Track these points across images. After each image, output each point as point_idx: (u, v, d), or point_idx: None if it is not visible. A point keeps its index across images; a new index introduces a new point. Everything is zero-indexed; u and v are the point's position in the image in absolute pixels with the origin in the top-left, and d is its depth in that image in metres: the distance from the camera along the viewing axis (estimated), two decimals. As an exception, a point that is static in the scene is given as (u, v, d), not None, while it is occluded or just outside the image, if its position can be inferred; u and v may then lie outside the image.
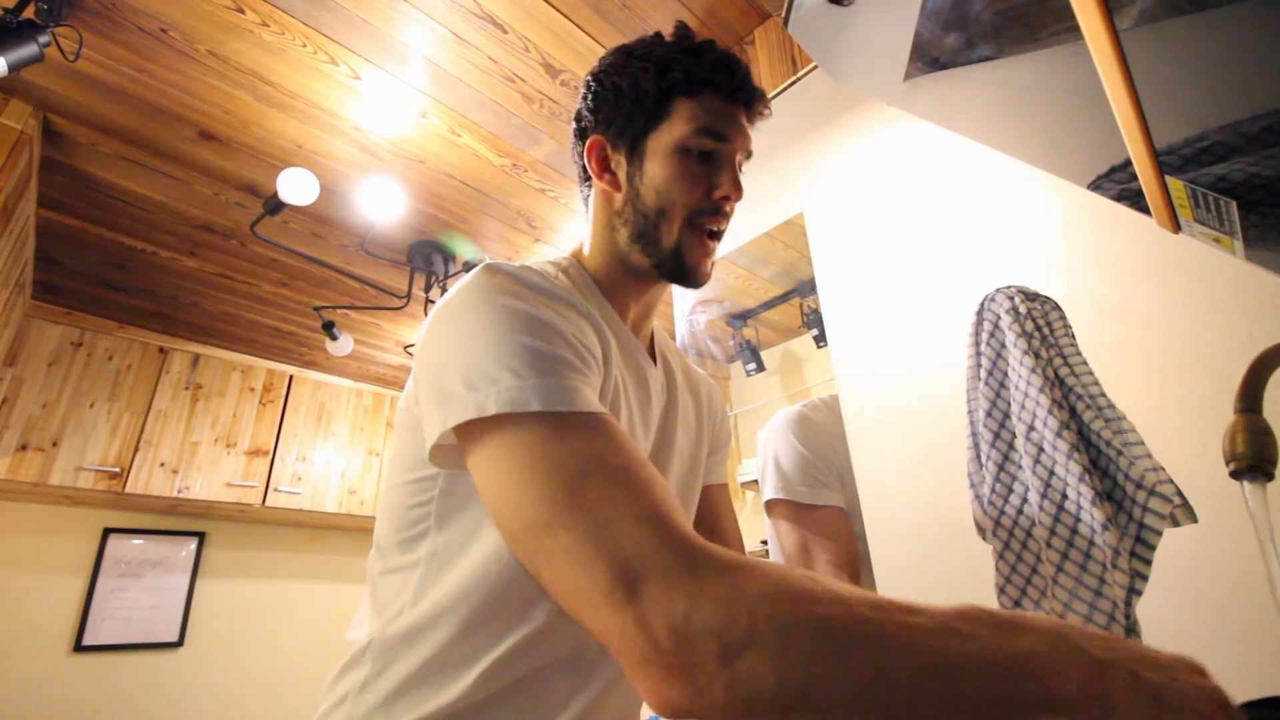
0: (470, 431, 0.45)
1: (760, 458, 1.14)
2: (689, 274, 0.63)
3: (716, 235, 0.65)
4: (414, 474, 0.57)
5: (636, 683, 0.36)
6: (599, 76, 0.66)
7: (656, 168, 0.62)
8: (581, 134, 0.68)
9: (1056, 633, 0.34)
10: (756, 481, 1.52)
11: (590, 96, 0.67)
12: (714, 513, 0.77)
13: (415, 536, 0.57)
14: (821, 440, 1.13)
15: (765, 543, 1.45)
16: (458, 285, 0.54)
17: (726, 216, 0.65)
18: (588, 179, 0.69)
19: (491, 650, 0.53)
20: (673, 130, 0.62)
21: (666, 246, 0.63)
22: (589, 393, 0.47)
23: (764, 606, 0.33)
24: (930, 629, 0.33)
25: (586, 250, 0.69)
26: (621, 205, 0.64)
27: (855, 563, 1.03)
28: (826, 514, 1.06)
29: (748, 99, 0.64)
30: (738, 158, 0.64)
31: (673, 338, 1.69)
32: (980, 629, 0.33)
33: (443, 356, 0.49)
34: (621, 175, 0.64)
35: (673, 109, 0.62)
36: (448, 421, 0.46)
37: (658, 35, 0.66)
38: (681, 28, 0.66)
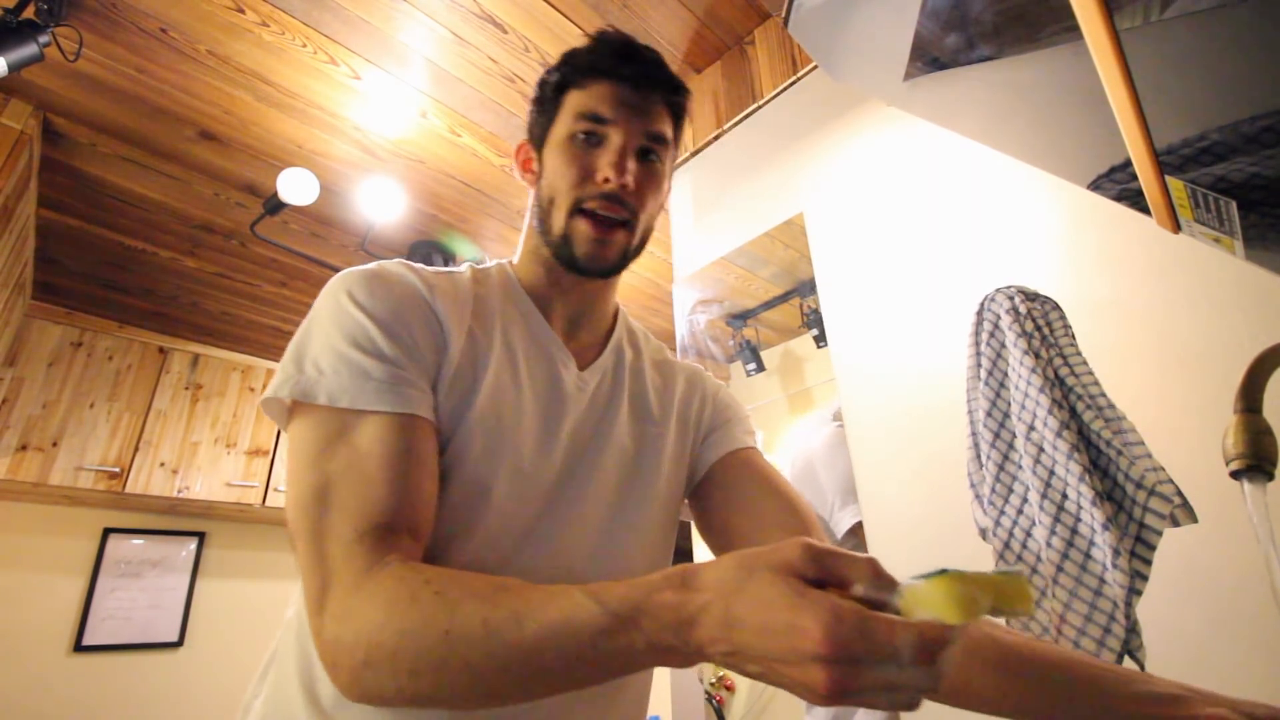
0: (291, 406, 0.52)
1: (842, 475, 1.17)
2: (577, 261, 0.62)
3: (613, 222, 0.62)
4: None
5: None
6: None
7: (550, 159, 0.64)
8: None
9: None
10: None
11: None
12: (737, 483, 0.69)
13: None
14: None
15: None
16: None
17: (619, 201, 0.61)
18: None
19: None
20: (563, 123, 0.64)
21: (556, 235, 0.63)
22: (388, 390, 0.51)
23: (378, 634, 0.39)
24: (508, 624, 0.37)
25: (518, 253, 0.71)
26: (533, 202, 0.67)
27: None
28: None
29: (635, 78, 0.63)
30: (628, 141, 0.62)
31: (673, 338, 1.69)
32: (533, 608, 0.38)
33: (298, 331, 0.55)
34: (535, 173, 0.67)
35: (563, 103, 0.64)
36: (269, 389, 0.52)
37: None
38: (599, 32, 0.66)
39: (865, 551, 1.12)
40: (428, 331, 0.56)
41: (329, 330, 0.53)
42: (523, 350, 0.63)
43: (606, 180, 0.60)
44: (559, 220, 0.62)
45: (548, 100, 0.66)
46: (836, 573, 0.31)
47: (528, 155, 0.69)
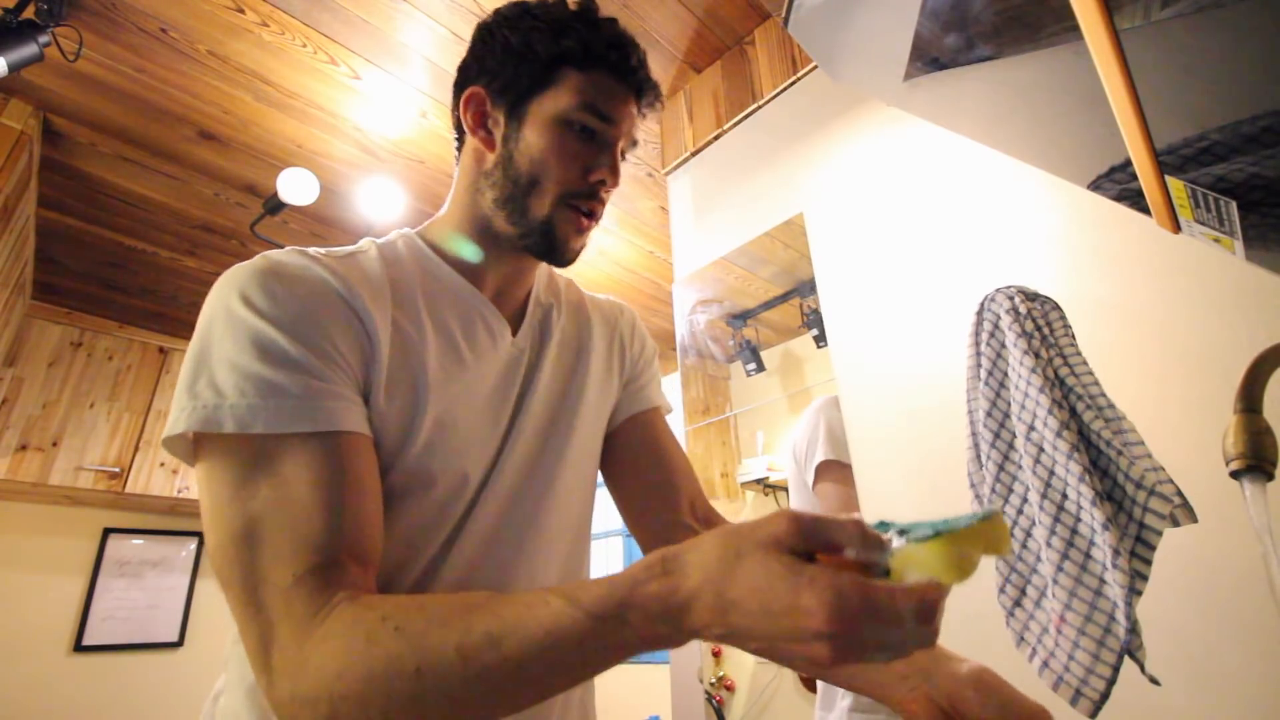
0: (195, 440, 0.45)
1: (808, 428, 1.23)
2: (556, 250, 0.60)
3: (592, 216, 0.61)
4: None
5: None
6: (489, 27, 0.62)
7: (535, 135, 0.58)
8: (462, 84, 0.63)
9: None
10: (758, 481, 1.52)
11: (479, 45, 0.63)
12: (650, 441, 0.72)
13: None
14: None
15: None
16: (221, 280, 0.52)
17: (602, 202, 0.61)
18: (461, 134, 0.64)
19: None
20: (558, 99, 0.58)
21: (534, 218, 0.59)
22: (309, 407, 0.45)
23: (339, 684, 0.37)
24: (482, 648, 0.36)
25: (444, 211, 0.65)
26: (491, 166, 0.60)
27: None
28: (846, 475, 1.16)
29: (639, 86, 0.62)
30: (621, 144, 0.62)
31: (672, 337, 1.69)
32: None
33: (188, 351, 0.48)
34: (498, 135, 0.60)
35: (561, 77, 0.59)
36: (167, 427, 0.45)
37: (562, 1, 0.62)
38: (596, 11, 0.62)
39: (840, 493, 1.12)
40: (348, 332, 0.50)
41: (225, 344, 0.46)
42: (459, 326, 0.59)
43: (602, 182, 0.60)
44: (542, 206, 0.59)
45: (538, 63, 0.59)
46: (825, 540, 0.31)
47: (483, 109, 0.61)
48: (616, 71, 0.60)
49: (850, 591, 0.28)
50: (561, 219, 0.59)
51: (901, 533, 0.31)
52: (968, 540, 0.30)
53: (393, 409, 0.51)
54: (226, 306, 0.48)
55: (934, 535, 0.30)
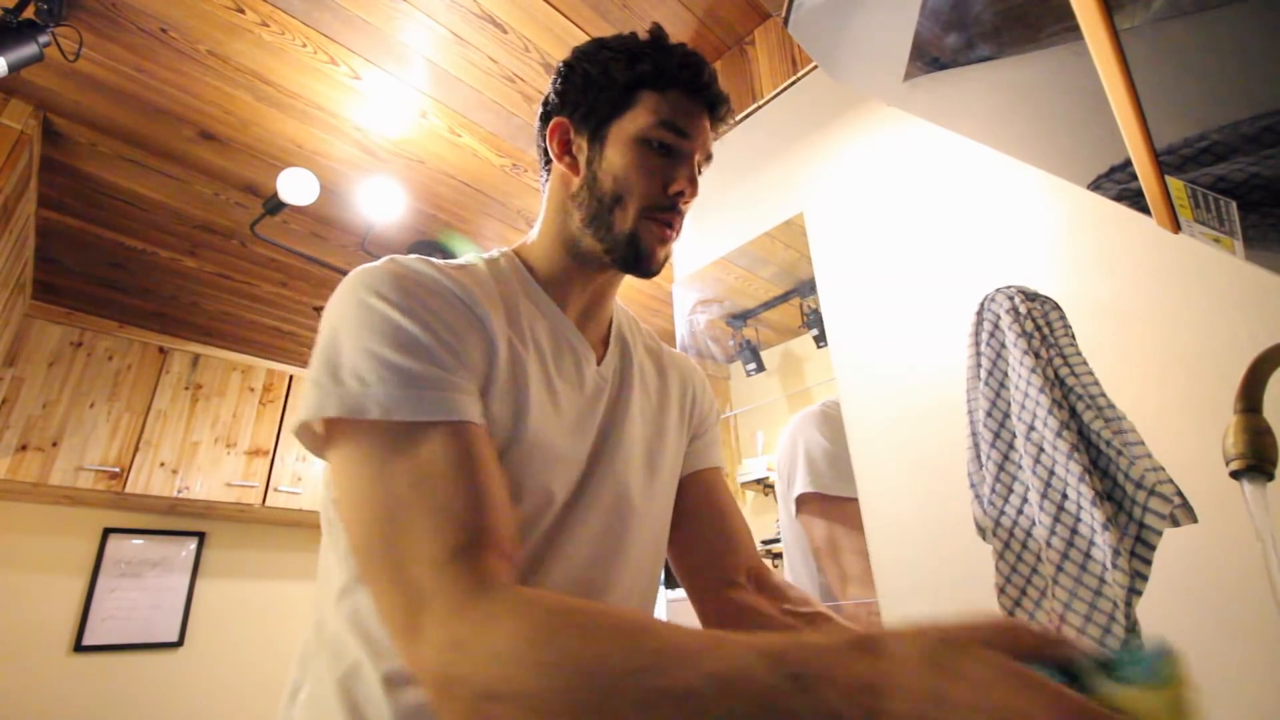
0: (328, 427, 0.48)
1: (786, 453, 1.18)
2: (642, 261, 0.62)
3: (673, 228, 0.64)
4: None
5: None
6: (571, 63, 0.67)
7: (616, 155, 0.62)
8: (546, 117, 0.68)
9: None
10: (758, 481, 1.52)
11: (560, 81, 0.67)
12: (712, 499, 0.75)
13: None
14: (842, 436, 1.18)
15: (765, 542, 1.45)
16: (348, 277, 0.54)
17: (680, 214, 0.64)
18: (548, 163, 0.68)
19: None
20: (636, 120, 0.62)
21: (620, 233, 0.62)
22: (443, 398, 0.47)
23: (504, 668, 0.36)
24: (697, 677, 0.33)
25: (534, 237, 0.68)
26: (578, 189, 0.64)
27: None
28: (853, 507, 1.10)
29: (712, 101, 0.64)
30: (697, 158, 0.64)
31: (672, 338, 1.69)
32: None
33: (318, 343, 0.50)
34: (581, 159, 0.64)
35: (638, 99, 0.63)
36: (303, 412, 0.47)
37: (634, 33, 0.67)
38: (657, 28, 0.66)
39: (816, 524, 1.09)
40: (472, 333, 0.53)
41: (362, 335, 0.48)
42: (550, 350, 0.61)
43: (680, 194, 0.62)
44: (627, 219, 0.62)
45: (616, 89, 0.63)
46: (1047, 653, 0.30)
47: (568, 136, 0.66)
48: (689, 89, 0.63)
49: (1077, 709, 0.27)
50: (645, 231, 0.62)
51: (1112, 664, 0.29)
52: (1190, 686, 0.28)
53: (501, 415, 0.53)
54: (360, 300, 0.50)
55: (1161, 662, 0.28)
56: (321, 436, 0.49)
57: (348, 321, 0.49)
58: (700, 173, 0.66)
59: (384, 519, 0.43)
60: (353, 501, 0.45)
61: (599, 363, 0.66)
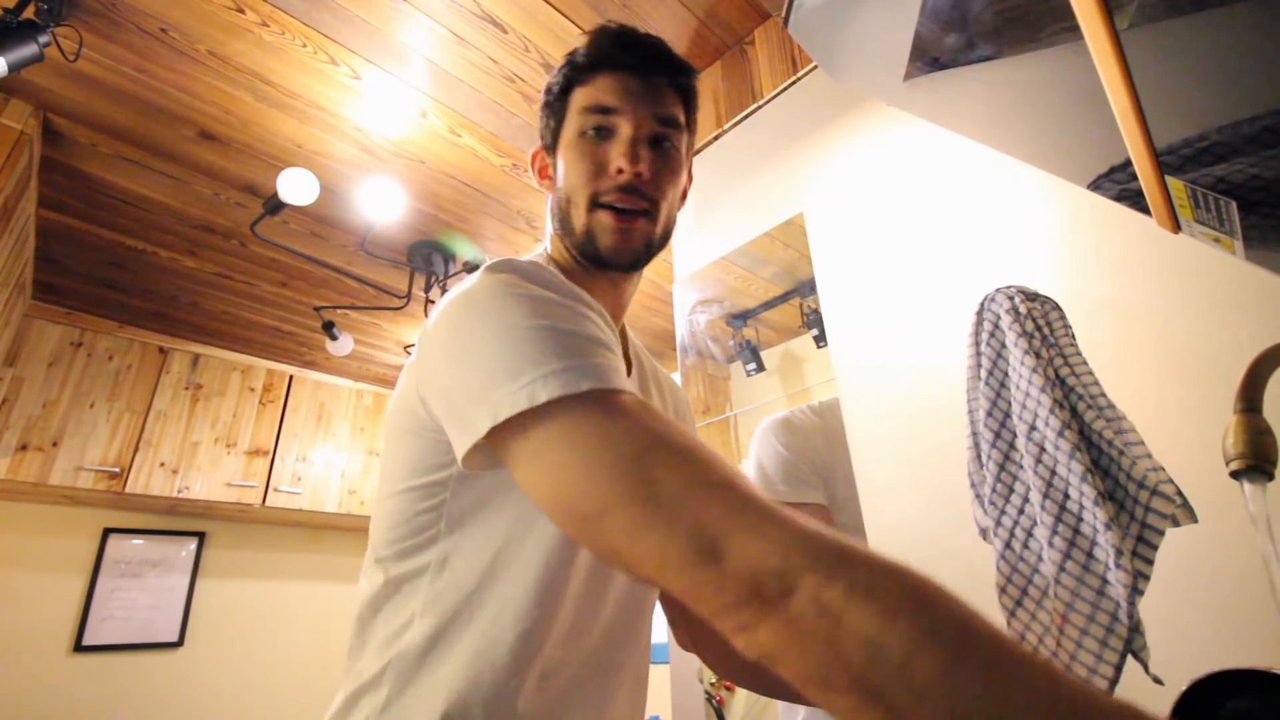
0: (512, 426, 0.44)
1: (748, 464, 1.20)
2: (603, 255, 0.61)
3: (632, 213, 0.61)
4: (420, 479, 0.55)
5: (732, 636, 0.36)
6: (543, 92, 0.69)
7: (563, 160, 0.64)
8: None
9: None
10: (756, 481, 1.52)
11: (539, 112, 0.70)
12: None
13: (421, 544, 0.56)
14: (801, 441, 1.19)
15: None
16: (467, 283, 0.53)
17: (636, 191, 0.60)
18: None
19: (527, 654, 0.53)
20: (571, 121, 0.63)
21: (578, 231, 0.62)
22: (618, 367, 0.47)
23: (830, 555, 0.34)
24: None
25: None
26: (553, 204, 0.66)
27: None
28: (809, 510, 1.10)
29: (638, 64, 0.62)
30: (643, 129, 0.61)
31: (672, 338, 1.69)
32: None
33: (469, 354, 0.48)
34: (552, 180, 0.67)
35: (570, 101, 0.64)
36: (498, 416, 0.43)
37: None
38: (598, 26, 0.66)
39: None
40: (610, 329, 0.54)
41: (526, 321, 0.47)
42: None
43: (620, 171, 0.60)
44: (579, 217, 0.62)
45: (555, 103, 0.65)
46: None
47: (543, 162, 0.68)
48: (610, 66, 0.62)
49: None
50: (595, 222, 0.61)
51: None
52: None
53: None
54: (506, 292, 0.50)
55: None
56: (486, 449, 0.46)
57: (514, 315, 0.47)
58: (661, 146, 0.63)
59: (637, 464, 0.40)
60: (585, 465, 0.41)
61: (629, 373, 0.67)
